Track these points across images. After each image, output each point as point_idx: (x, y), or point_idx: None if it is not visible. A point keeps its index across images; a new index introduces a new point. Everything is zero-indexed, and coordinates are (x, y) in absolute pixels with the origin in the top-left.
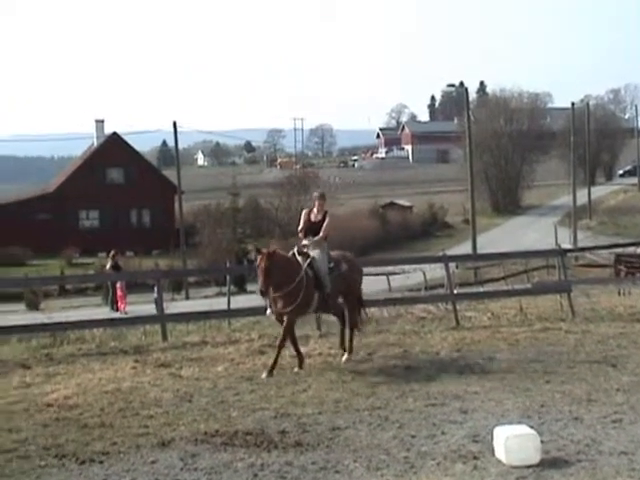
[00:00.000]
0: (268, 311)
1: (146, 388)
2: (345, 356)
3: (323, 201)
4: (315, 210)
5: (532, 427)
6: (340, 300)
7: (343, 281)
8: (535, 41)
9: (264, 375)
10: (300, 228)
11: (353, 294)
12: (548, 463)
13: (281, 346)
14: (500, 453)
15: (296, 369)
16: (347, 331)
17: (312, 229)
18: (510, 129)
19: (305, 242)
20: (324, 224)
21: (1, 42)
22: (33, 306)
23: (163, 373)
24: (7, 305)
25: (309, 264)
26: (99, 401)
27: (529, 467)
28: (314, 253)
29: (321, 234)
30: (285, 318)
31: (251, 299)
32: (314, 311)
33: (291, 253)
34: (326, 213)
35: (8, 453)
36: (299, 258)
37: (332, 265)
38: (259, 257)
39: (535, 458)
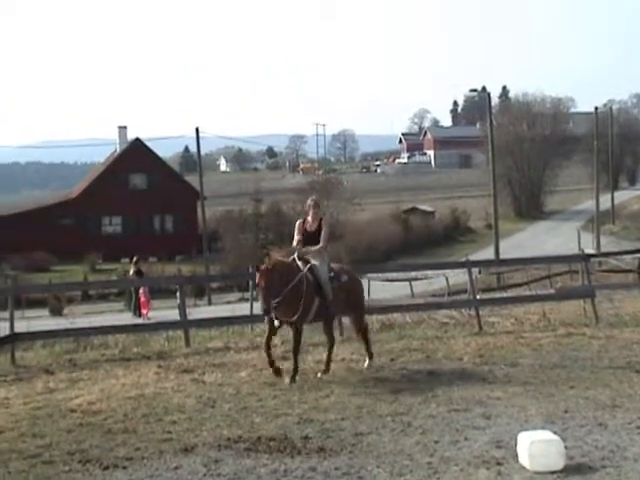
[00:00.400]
0: (276, 322)
1: (169, 394)
2: (367, 361)
3: (317, 209)
4: (309, 219)
5: (556, 433)
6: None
7: (342, 292)
8: (558, 46)
9: (287, 381)
10: (297, 239)
11: (356, 304)
12: (572, 469)
13: (296, 353)
14: (524, 459)
15: (286, 380)
16: (360, 339)
17: (309, 239)
18: (533, 134)
19: (303, 251)
20: (322, 233)
21: (25, 50)
22: (56, 312)
23: (186, 379)
24: (31, 311)
25: (309, 269)
26: (122, 407)
27: (553, 473)
28: (314, 261)
29: (321, 244)
30: (291, 327)
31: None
32: (312, 319)
33: (291, 259)
34: (321, 221)
35: (32, 458)
36: (299, 263)
37: (332, 275)
38: (258, 274)
39: (559, 464)
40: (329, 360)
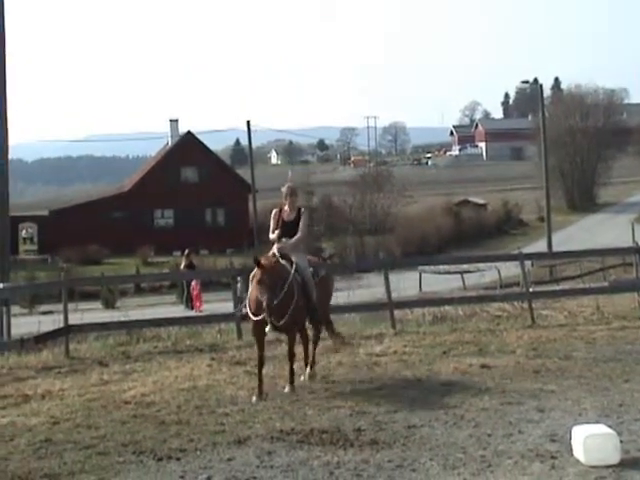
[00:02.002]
0: (268, 328)
1: (222, 386)
2: (307, 370)
3: (295, 197)
4: (286, 208)
5: (611, 427)
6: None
7: (321, 287)
8: (611, 36)
9: (287, 389)
10: (277, 232)
11: (328, 301)
12: (628, 463)
13: (292, 359)
14: (579, 453)
15: (287, 388)
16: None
17: (286, 230)
18: (586, 125)
19: (281, 245)
20: (301, 223)
21: (79, 44)
22: (109, 304)
23: (239, 371)
24: (84, 303)
25: (295, 269)
26: (176, 398)
27: (608, 467)
28: (294, 257)
29: (299, 235)
30: (282, 332)
31: None
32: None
33: (271, 253)
34: (300, 210)
35: (87, 449)
36: (282, 261)
37: (312, 270)
38: (260, 271)
39: (614, 458)
40: (313, 357)
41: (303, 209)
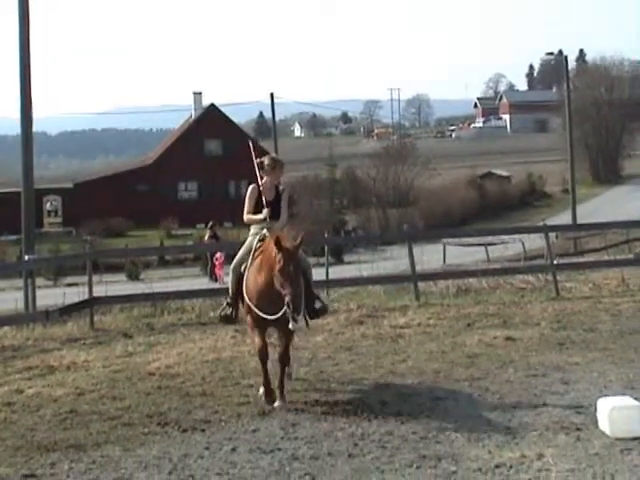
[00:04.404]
0: (291, 324)
1: (246, 358)
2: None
3: (280, 171)
4: (267, 182)
5: (636, 399)
6: None
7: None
8: (636, 7)
9: (277, 404)
10: (266, 212)
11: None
12: None
13: (288, 360)
14: (604, 425)
15: (277, 403)
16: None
17: (271, 211)
18: (611, 98)
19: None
20: (282, 204)
21: (104, 16)
22: (134, 276)
23: None
24: (108, 275)
25: None
26: (200, 370)
27: (634, 439)
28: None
29: (284, 216)
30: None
31: (348, 270)
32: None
33: (260, 239)
34: (278, 187)
35: (112, 420)
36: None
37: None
38: (281, 256)
39: None
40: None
41: (283, 188)
